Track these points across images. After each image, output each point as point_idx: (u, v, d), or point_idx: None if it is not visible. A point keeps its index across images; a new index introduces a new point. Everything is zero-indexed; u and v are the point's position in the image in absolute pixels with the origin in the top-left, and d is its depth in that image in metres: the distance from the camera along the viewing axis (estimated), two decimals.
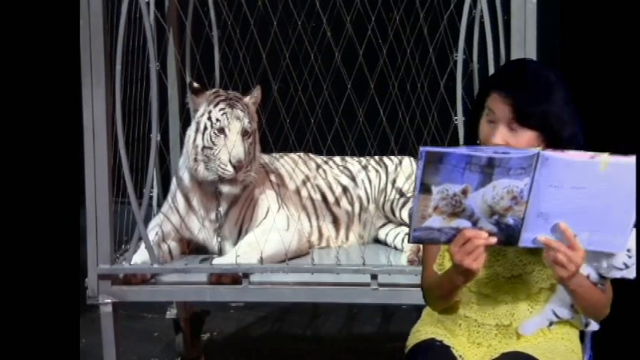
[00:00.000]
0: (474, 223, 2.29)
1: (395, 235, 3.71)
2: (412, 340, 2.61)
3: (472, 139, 2.50)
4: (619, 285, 2.50)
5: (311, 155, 3.89)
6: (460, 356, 2.49)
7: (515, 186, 2.24)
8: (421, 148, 2.21)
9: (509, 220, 2.28)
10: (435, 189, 2.24)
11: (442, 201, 2.26)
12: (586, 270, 2.42)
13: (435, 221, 2.28)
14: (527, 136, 2.39)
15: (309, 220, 3.76)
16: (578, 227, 2.30)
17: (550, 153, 2.24)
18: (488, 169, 2.23)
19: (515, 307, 2.50)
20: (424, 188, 2.25)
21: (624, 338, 3.36)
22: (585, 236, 2.31)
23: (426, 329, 2.60)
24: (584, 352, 2.63)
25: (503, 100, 2.39)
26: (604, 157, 2.24)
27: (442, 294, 2.51)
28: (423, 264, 2.61)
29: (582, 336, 2.62)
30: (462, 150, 2.23)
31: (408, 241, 2.35)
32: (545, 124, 2.38)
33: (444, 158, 2.22)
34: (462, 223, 2.29)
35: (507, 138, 2.39)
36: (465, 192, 2.25)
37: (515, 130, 2.39)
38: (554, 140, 2.39)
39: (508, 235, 2.30)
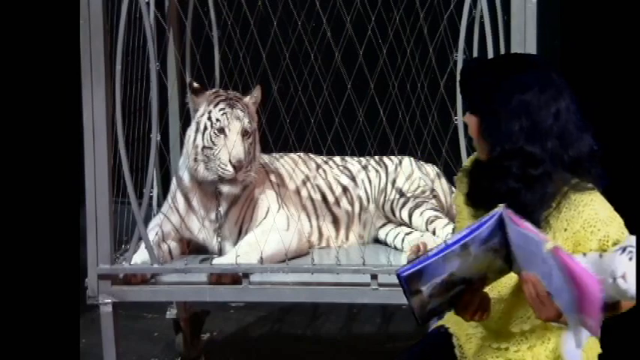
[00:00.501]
0: (468, 282, 2.35)
1: (395, 235, 3.71)
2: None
3: None
4: None
5: (311, 155, 3.89)
6: (460, 346, 2.49)
7: (492, 243, 2.29)
8: (398, 273, 2.29)
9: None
10: (424, 289, 2.32)
11: (434, 290, 2.33)
12: None
13: (435, 303, 2.36)
14: (473, 120, 2.43)
15: (309, 220, 3.76)
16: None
17: (510, 215, 2.25)
18: (465, 251, 2.29)
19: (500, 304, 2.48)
20: (414, 293, 2.32)
21: (625, 339, 3.36)
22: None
23: (447, 317, 2.62)
24: None
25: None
26: (548, 245, 2.20)
27: None
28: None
29: None
30: (435, 255, 2.28)
31: (418, 324, 2.40)
32: (478, 102, 2.41)
33: (423, 272, 2.30)
34: (457, 289, 2.35)
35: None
36: (451, 275, 2.31)
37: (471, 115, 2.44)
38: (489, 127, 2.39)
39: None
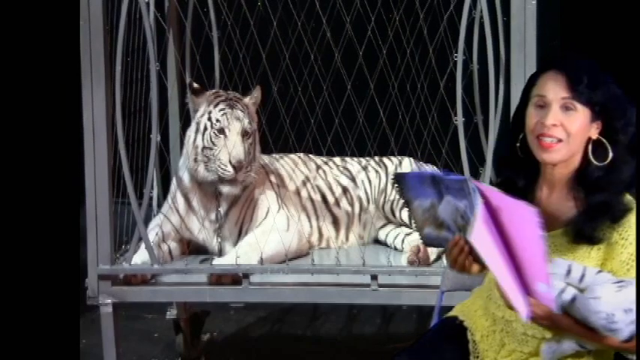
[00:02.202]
0: (454, 232, 2.30)
1: (395, 235, 3.71)
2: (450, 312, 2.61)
3: (516, 134, 2.42)
4: None
5: (311, 156, 3.89)
6: (474, 341, 2.47)
7: (458, 204, 2.22)
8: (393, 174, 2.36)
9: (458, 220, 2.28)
10: (414, 203, 2.31)
11: (424, 215, 2.31)
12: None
13: (429, 231, 2.33)
14: (582, 115, 2.31)
15: (309, 221, 3.76)
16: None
17: (477, 184, 2.18)
18: (437, 186, 2.24)
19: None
20: (406, 204, 2.34)
21: None
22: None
23: (460, 307, 2.57)
24: None
25: (556, 76, 2.32)
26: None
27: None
28: None
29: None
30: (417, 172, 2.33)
31: (424, 244, 2.42)
32: (603, 101, 2.31)
33: (406, 178, 2.31)
34: (446, 234, 2.31)
35: (561, 119, 2.31)
36: (433, 206, 2.27)
37: (569, 108, 2.31)
38: (613, 127, 2.31)
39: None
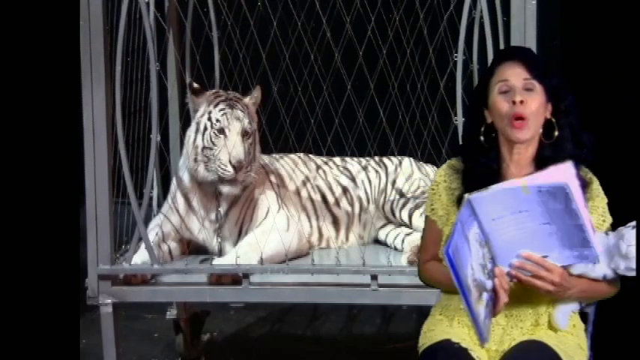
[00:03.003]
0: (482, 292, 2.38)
1: (395, 235, 3.71)
2: (426, 339, 2.59)
3: (475, 128, 2.59)
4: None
5: (311, 156, 3.89)
6: (477, 357, 2.48)
7: (476, 233, 2.35)
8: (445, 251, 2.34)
9: (489, 265, 2.38)
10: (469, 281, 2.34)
11: (476, 291, 2.36)
12: (602, 271, 2.46)
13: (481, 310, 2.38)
14: (540, 94, 2.52)
15: (309, 221, 3.76)
16: (543, 248, 2.37)
17: (474, 194, 2.33)
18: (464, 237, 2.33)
19: (522, 287, 2.47)
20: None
21: (624, 339, 3.36)
22: (555, 255, 2.38)
23: (440, 328, 2.58)
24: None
25: (513, 64, 2.55)
26: (521, 181, 2.35)
27: (444, 288, 2.61)
28: (422, 244, 2.69)
29: None
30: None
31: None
32: (552, 82, 2.54)
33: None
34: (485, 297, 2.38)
35: (525, 97, 2.51)
36: (472, 268, 2.35)
37: (530, 89, 2.52)
38: (560, 105, 2.55)
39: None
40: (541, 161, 2.53)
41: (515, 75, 2.53)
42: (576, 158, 2.48)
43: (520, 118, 2.50)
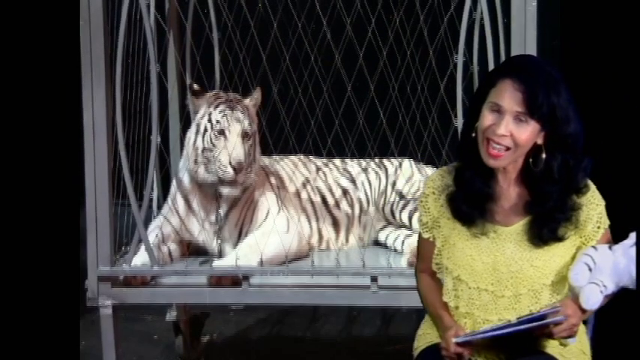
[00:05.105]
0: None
1: (395, 237, 3.71)
2: (421, 342, 2.61)
3: (469, 129, 2.50)
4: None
5: (311, 157, 3.89)
6: (470, 359, 2.49)
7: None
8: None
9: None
10: None
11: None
12: (609, 291, 2.44)
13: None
14: (532, 127, 2.39)
15: (309, 223, 3.76)
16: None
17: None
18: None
19: (517, 301, 2.48)
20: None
21: (624, 338, 3.36)
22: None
23: (434, 331, 2.59)
24: None
25: (514, 88, 2.38)
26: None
27: (425, 305, 2.64)
28: (418, 255, 2.67)
29: None
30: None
31: None
32: (553, 116, 2.38)
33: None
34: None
35: (512, 129, 2.39)
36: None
37: (522, 121, 2.39)
38: (556, 136, 2.40)
39: None
40: (529, 179, 2.46)
41: (509, 103, 2.37)
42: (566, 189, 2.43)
43: (497, 144, 2.39)
